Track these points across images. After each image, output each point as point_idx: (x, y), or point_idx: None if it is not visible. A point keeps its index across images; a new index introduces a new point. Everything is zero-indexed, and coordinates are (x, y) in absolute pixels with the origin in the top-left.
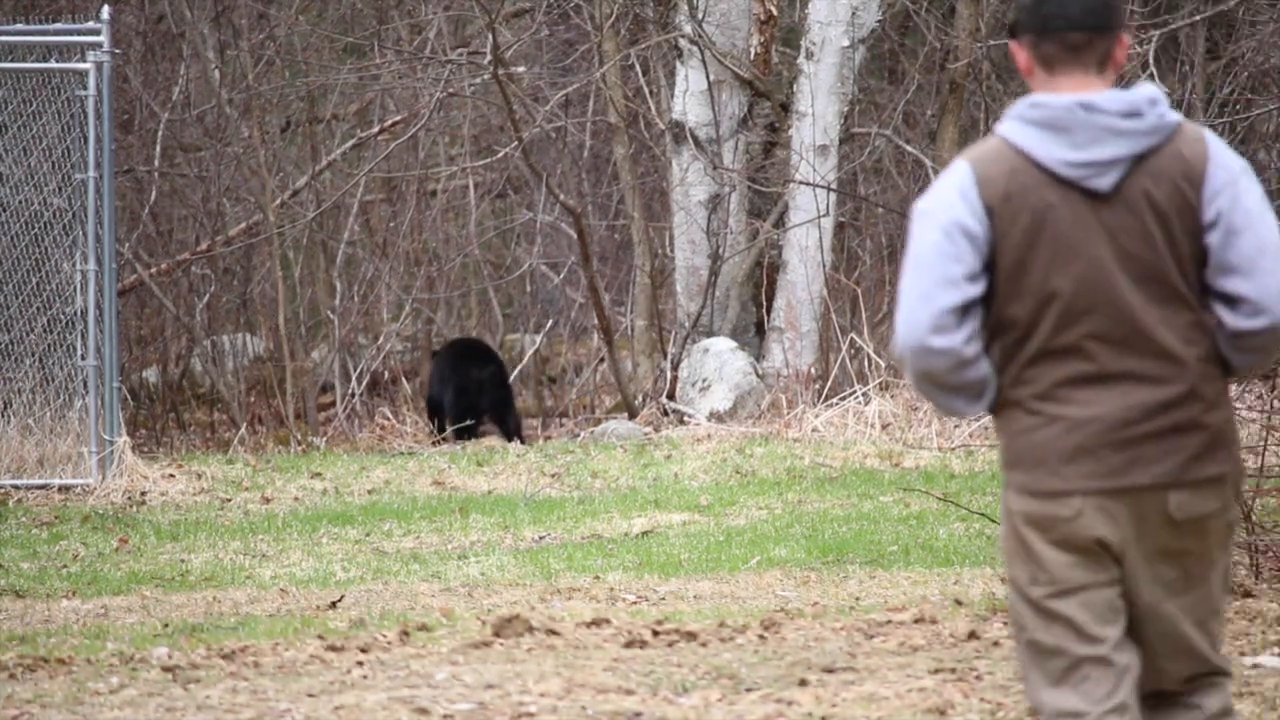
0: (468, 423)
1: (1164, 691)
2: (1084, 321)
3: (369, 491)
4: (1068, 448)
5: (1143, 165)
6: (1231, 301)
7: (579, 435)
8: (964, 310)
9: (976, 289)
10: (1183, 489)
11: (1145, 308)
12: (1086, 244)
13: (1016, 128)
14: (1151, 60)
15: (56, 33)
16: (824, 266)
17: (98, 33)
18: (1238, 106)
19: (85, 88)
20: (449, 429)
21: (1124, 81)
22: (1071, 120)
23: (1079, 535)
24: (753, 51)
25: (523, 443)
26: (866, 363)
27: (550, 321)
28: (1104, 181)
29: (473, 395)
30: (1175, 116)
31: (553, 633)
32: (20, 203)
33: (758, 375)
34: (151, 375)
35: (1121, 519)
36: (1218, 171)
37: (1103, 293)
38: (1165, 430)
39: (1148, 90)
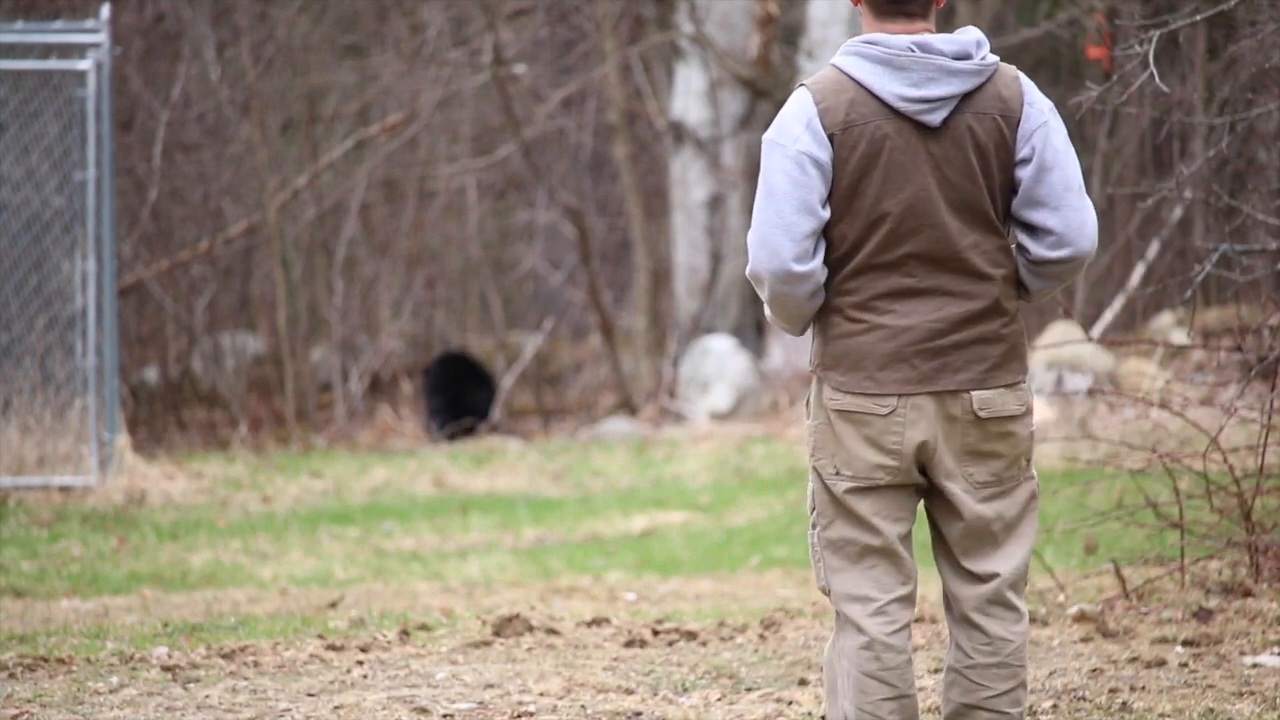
0: (460, 422)
1: (962, 615)
2: (908, 242)
3: (369, 491)
4: (885, 353)
5: (968, 103)
6: (1036, 232)
7: (579, 435)
8: (817, 236)
9: (827, 213)
10: (985, 390)
11: (961, 232)
12: (915, 173)
13: (855, 62)
14: (1151, 60)
15: (56, 32)
16: None
17: (97, 32)
18: (1238, 106)
19: (85, 87)
20: (441, 427)
21: (1113, 77)
22: (909, 60)
23: (889, 433)
24: (753, 52)
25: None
26: None
27: (550, 321)
28: (935, 117)
29: (451, 397)
30: (994, 58)
31: (553, 632)
32: (20, 203)
33: (758, 374)
34: (152, 375)
35: (932, 419)
36: (1032, 112)
37: (926, 217)
38: (971, 340)
39: (974, 33)
